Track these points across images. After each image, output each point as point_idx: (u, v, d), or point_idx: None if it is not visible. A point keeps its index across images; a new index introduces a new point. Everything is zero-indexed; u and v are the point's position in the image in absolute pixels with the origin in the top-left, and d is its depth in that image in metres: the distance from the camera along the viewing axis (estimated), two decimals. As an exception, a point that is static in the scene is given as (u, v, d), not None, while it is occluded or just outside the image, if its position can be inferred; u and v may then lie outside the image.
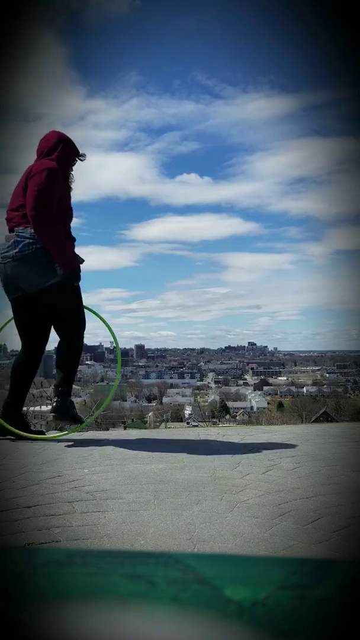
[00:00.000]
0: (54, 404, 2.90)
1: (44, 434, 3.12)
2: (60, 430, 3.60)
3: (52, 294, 2.80)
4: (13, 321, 3.04)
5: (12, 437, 2.95)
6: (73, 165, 3.04)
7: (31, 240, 2.74)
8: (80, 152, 3.04)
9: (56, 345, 2.97)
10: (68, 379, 2.93)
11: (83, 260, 2.91)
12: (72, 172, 3.03)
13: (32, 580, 0.26)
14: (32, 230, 2.74)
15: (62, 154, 2.94)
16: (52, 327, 2.99)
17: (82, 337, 2.97)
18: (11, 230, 2.83)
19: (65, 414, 2.88)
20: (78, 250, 3.00)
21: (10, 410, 2.97)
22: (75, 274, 2.85)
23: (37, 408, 5.91)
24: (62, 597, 0.24)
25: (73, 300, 2.89)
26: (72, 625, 0.21)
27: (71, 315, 2.90)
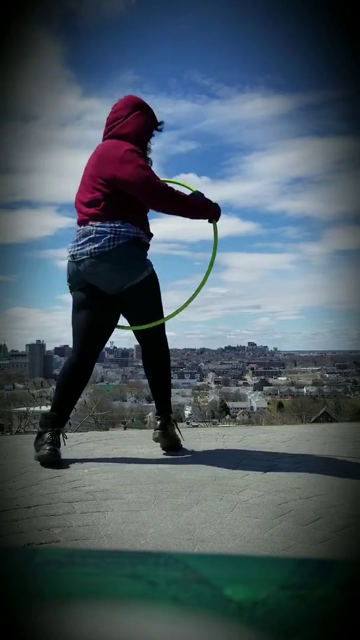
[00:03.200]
0: (161, 431, 2.54)
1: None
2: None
3: (136, 296, 2.42)
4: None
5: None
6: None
7: (113, 235, 2.33)
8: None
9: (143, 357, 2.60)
10: (169, 396, 2.61)
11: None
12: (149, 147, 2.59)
13: (32, 580, 0.26)
14: (114, 224, 2.34)
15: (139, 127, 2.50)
16: (138, 332, 2.56)
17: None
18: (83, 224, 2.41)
19: (179, 442, 2.60)
20: None
21: (56, 424, 2.35)
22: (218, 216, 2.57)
23: (37, 408, 5.90)
24: (62, 597, 0.24)
25: (159, 300, 2.55)
26: (72, 625, 0.21)
27: (159, 317, 2.53)
